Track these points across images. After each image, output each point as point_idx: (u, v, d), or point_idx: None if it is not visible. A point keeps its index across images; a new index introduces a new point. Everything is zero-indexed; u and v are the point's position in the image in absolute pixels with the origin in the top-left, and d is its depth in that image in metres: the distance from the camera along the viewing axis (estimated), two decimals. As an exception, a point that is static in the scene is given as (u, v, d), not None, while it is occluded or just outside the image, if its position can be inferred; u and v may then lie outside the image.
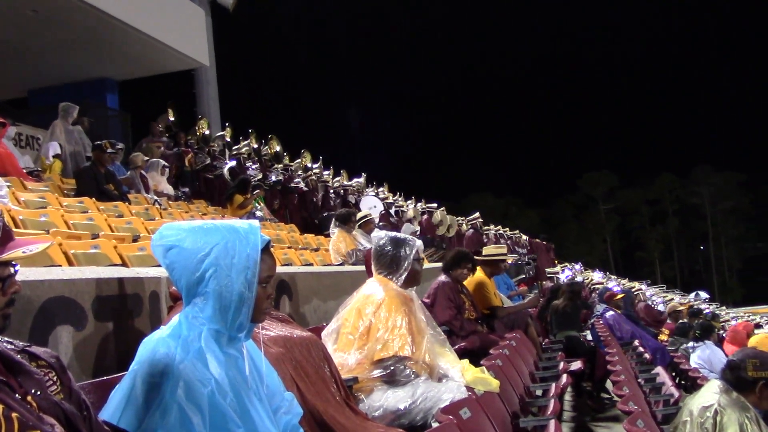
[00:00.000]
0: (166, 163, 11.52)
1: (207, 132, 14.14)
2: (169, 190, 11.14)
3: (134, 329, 3.34)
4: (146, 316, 3.46)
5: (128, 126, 14.59)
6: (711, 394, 3.57)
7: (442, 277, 6.03)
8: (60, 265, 4.18)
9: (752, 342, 6.86)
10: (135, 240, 6.04)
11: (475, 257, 6.73)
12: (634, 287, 20.15)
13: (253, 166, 13.92)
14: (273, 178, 13.68)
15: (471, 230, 15.22)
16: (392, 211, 15.03)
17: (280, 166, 14.93)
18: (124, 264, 5.08)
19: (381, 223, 12.15)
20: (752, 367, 3.57)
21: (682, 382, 7.76)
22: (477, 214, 16.03)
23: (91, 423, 1.68)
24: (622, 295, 12.05)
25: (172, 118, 13.79)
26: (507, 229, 21.34)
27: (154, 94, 17.79)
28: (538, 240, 23.03)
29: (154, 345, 1.94)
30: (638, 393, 5.25)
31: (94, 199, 7.99)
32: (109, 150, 9.19)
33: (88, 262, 4.88)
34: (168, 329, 2.01)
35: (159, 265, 2.06)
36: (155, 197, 10.02)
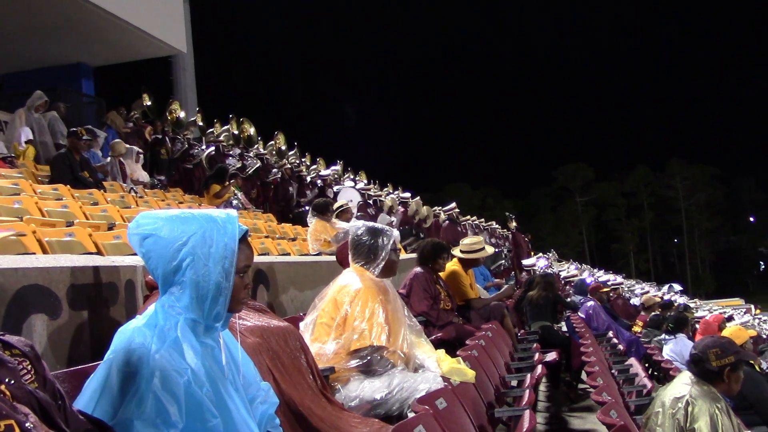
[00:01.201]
0: (141, 150, 11.42)
1: (181, 115, 13.96)
2: (144, 177, 11.05)
3: (109, 318, 3.31)
4: (122, 305, 3.43)
5: (104, 112, 14.39)
6: (683, 385, 3.62)
7: (418, 268, 6.04)
8: (34, 253, 4.13)
9: (725, 334, 6.95)
10: (110, 228, 5.99)
11: (452, 251, 6.75)
12: (612, 281, 20.36)
13: (233, 153, 13.81)
14: (251, 169, 13.59)
15: (447, 221, 15.22)
16: (370, 201, 14.99)
17: (253, 150, 14.82)
18: (99, 252, 5.03)
19: (359, 213, 12.14)
20: (714, 357, 3.62)
21: (655, 373, 7.87)
22: (453, 205, 16.00)
23: (66, 412, 1.67)
24: (607, 288, 12.22)
25: (148, 103, 13.61)
26: (483, 219, 21.38)
27: (131, 81, 17.58)
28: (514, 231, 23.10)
29: (129, 334, 1.93)
30: (612, 384, 5.31)
31: (68, 186, 7.90)
32: (85, 137, 9.10)
33: (62, 249, 4.84)
34: (144, 318, 2.00)
35: (135, 254, 2.05)
36: (132, 185, 9.94)
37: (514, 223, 18.14)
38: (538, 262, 14.90)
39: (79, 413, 1.75)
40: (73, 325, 3.09)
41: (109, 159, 10.47)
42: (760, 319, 28.72)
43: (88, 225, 5.85)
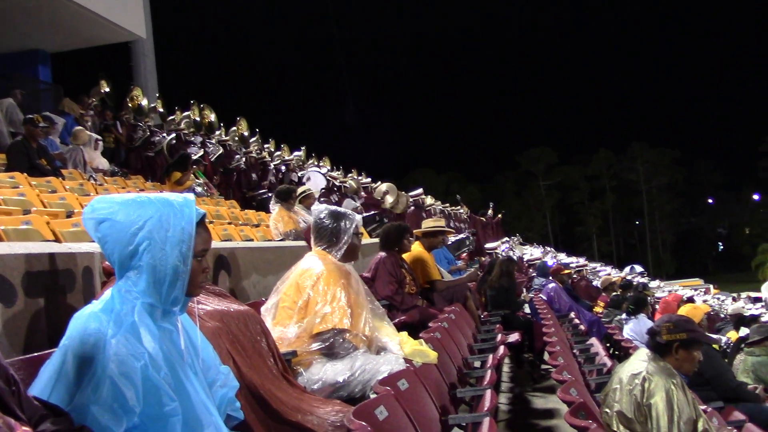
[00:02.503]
0: (100, 137, 11.24)
1: (143, 102, 13.76)
2: (104, 165, 10.89)
3: (66, 305, 3.27)
4: (79, 291, 3.39)
5: (61, 99, 14.12)
6: (639, 362, 3.70)
7: (383, 253, 6.06)
8: (-12, 241, 4.06)
9: (681, 312, 7.10)
10: (69, 216, 5.91)
11: (414, 232, 6.78)
12: (575, 263, 20.61)
13: (195, 141, 13.66)
14: (213, 156, 13.47)
15: (412, 207, 15.27)
16: (334, 187, 14.98)
17: (215, 136, 14.67)
18: (57, 240, 4.97)
19: (322, 199, 12.12)
20: (666, 330, 3.72)
21: (616, 352, 8.01)
22: (420, 191, 16.05)
23: (21, 398, 1.66)
24: (569, 270, 12.37)
25: (106, 90, 13.38)
26: (448, 204, 21.49)
27: (89, 67, 17.27)
28: (480, 215, 23.29)
29: (85, 320, 1.91)
30: (573, 363, 5.41)
31: (25, 174, 7.76)
32: (41, 124, 8.93)
33: (19, 238, 4.76)
34: (100, 303, 1.98)
35: (94, 241, 2.02)
36: (91, 173, 9.79)
37: (490, 211, 18.29)
38: (500, 246, 15.02)
39: (35, 399, 1.74)
40: (28, 312, 3.05)
41: (70, 147, 10.29)
42: (718, 298, 29.38)
43: (46, 213, 5.76)
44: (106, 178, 10.20)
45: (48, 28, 14.74)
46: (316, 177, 14.58)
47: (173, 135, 13.22)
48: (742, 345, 7.12)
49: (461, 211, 22.47)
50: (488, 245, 14.92)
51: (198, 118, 14.74)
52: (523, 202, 77.21)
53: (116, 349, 1.85)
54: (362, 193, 15.03)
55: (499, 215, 18.11)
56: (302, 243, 6.52)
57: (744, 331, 9.61)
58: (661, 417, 3.42)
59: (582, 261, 22.92)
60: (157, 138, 13.05)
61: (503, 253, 13.11)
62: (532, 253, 23.31)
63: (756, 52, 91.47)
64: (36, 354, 2.35)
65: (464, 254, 12.41)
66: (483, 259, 13.54)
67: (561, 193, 77.91)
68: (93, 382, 1.81)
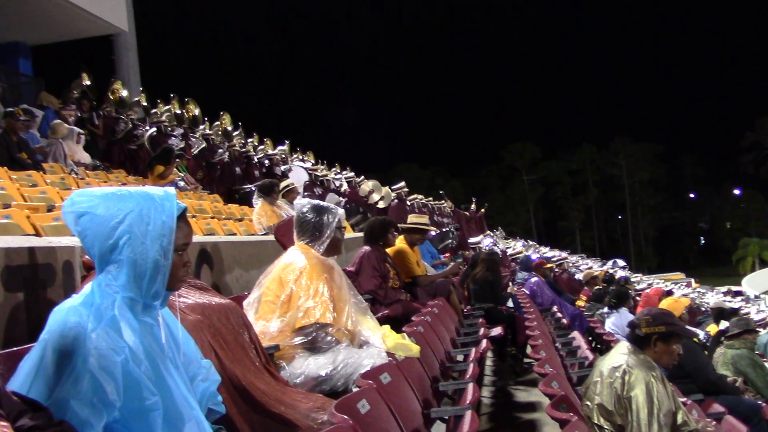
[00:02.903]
0: (82, 131, 11.14)
1: (124, 94, 13.66)
2: (86, 159, 10.79)
3: (46, 299, 3.25)
4: (59, 286, 3.37)
5: (42, 93, 13.97)
6: (620, 355, 3.73)
7: (367, 247, 6.06)
8: (-32, 236, 4.02)
9: (662, 305, 7.16)
10: (49, 210, 5.86)
11: (398, 226, 6.79)
12: (558, 256, 20.72)
13: (175, 133, 13.57)
14: (196, 149, 13.40)
15: (396, 200, 15.25)
16: (317, 181, 14.93)
17: (200, 130, 14.60)
18: (37, 234, 4.93)
19: (306, 193, 12.09)
20: (645, 323, 3.76)
21: (597, 345, 8.06)
22: (402, 184, 16.02)
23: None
24: (551, 264, 12.43)
25: (87, 83, 13.26)
26: (431, 198, 21.49)
27: (70, 60, 17.10)
28: (463, 210, 23.32)
29: (65, 314, 1.90)
30: (555, 356, 5.45)
31: (5, 168, 7.69)
32: (22, 117, 8.85)
33: (-2, 232, 4.71)
34: (80, 297, 1.96)
35: (74, 235, 2.01)
36: (72, 167, 9.71)
37: (473, 206, 18.31)
38: (484, 240, 15.04)
39: (13, 394, 1.72)
40: (8, 306, 3.04)
41: (50, 140, 10.19)
42: (699, 292, 29.64)
43: (26, 207, 5.70)
44: (87, 171, 10.11)
45: (29, 21, 14.60)
46: (298, 171, 14.54)
47: (154, 128, 13.14)
48: (722, 338, 7.19)
49: (445, 205, 22.50)
50: (472, 240, 14.92)
51: (179, 111, 14.66)
52: (507, 196, 77.44)
53: (96, 343, 1.84)
54: (346, 188, 15.01)
55: (482, 209, 18.11)
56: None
57: (724, 324, 9.71)
58: (641, 409, 3.45)
59: (563, 254, 23.06)
60: (140, 131, 12.96)
61: (487, 248, 13.13)
62: (514, 246, 23.43)
63: (738, 49, 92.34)
64: (15, 348, 2.33)
65: (449, 248, 12.44)
66: (467, 253, 13.56)
67: (544, 188, 78.22)
68: (73, 376, 1.80)
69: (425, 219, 7.69)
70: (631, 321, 3.91)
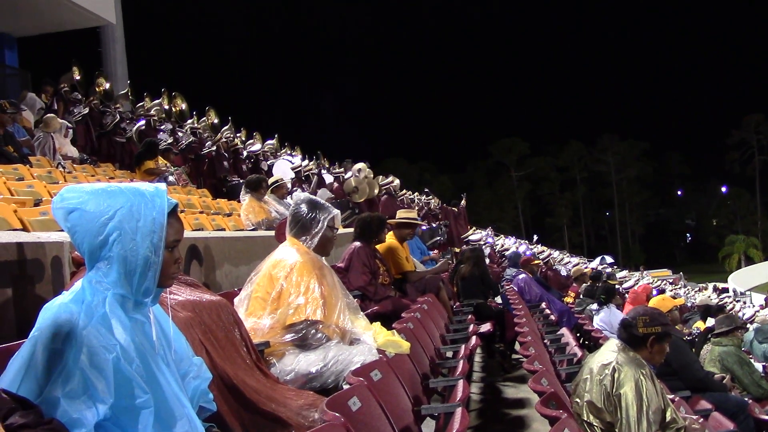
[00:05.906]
0: (70, 124, 11.07)
1: (107, 86, 13.57)
2: (73, 152, 10.72)
3: (35, 295, 3.22)
4: (48, 282, 3.34)
5: (28, 85, 13.86)
6: (609, 352, 3.75)
7: (357, 243, 6.03)
8: (-46, 230, 3.98)
9: (651, 303, 7.19)
10: (37, 204, 5.80)
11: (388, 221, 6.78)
12: (544, 252, 20.78)
13: (164, 128, 13.50)
14: (184, 142, 13.34)
15: (386, 195, 15.19)
16: (305, 176, 14.86)
17: (187, 124, 14.52)
18: (25, 229, 4.88)
19: (295, 189, 12.04)
20: (642, 324, 3.79)
21: (586, 342, 8.10)
22: (392, 178, 15.95)
23: (-12, 391, 1.62)
24: (538, 261, 12.47)
25: (77, 77, 13.17)
26: (417, 193, 21.47)
27: (57, 52, 16.99)
28: (452, 206, 23.25)
29: (55, 311, 1.88)
30: (544, 353, 5.45)
31: (-9, 161, 7.62)
32: (9, 110, 8.76)
33: (-15, 226, 4.67)
34: (70, 294, 1.95)
35: (63, 230, 1.99)
36: (60, 160, 9.63)
37: (463, 202, 18.27)
38: (474, 236, 15.06)
39: (3, 392, 1.71)
40: (-5, 302, 3.01)
41: (41, 134, 10.11)
42: (686, 288, 29.84)
43: (13, 201, 5.65)
44: (75, 165, 10.04)
45: (14, 12, 14.47)
46: (282, 165, 14.48)
47: (143, 121, 13.08)
48: (709, 335, 7.23)
49: (432, 201, 22.47)
50: (472, 237, 14.93)
51: (168, 106, 14.59)
52: (494, 192, 77.60)
53: (87, 340, 1.82)
54: (335, 184, 14.96)
55: (463, 202, 17.97)
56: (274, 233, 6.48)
57: (711, 321, 9.77)
58: (630, 407, 3.47)
59: (547, 251, 23.13)
60: (126, 124, 12.90)
61: (481, 242, 13.16)
62: (503, 243, 23.50)
63: (725, 47, 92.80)
64: (3, 345, 2.31)
65: (438, 245, 12.44)
66: (456, 249, 13.58)
67: (532, 184, 78.42)
68: (63, 374, 1.78)
69: (414, 213, 7.68)
70: (626, 320, 3.92)
